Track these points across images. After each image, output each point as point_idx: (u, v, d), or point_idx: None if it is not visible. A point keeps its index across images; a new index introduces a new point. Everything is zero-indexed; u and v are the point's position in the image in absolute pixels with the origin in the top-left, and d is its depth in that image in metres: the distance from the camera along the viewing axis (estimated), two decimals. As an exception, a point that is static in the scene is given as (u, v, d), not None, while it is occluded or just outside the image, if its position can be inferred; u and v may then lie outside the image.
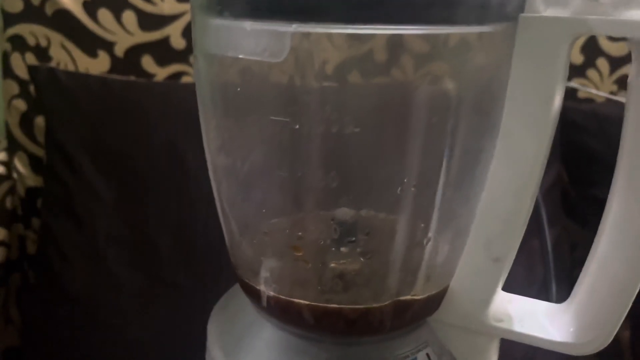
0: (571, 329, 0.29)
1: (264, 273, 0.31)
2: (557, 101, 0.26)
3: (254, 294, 0.33)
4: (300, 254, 0.30)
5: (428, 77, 0.24)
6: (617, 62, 0.80)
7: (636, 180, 0.26)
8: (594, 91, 0.73)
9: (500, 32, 0.25)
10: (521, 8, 0.26)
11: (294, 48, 0.24)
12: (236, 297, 0.37)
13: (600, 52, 0.80)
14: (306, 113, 0.24)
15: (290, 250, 0.30)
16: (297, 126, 0.25)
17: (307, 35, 0.23)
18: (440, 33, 0.23)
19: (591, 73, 0.77)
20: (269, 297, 0.31)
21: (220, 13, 0.25)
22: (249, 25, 0.24)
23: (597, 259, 0.28)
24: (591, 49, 0.78)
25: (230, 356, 0.33)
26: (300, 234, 0.29)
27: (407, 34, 0.23)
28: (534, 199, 0.28)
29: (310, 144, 0.25)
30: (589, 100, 0.76)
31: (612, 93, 0.76)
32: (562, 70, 0.26)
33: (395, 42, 0.23)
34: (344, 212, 0.28)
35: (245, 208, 0.29)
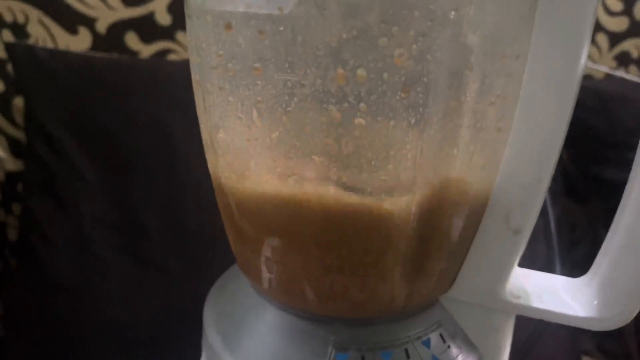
0: (595, 302, 0.27)
1: (265, 252, 0.29)
2: (583, 60, 0.25)
3: (254, 275, 0.31)
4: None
5: (450, 27, 0.22)
6: (616, 38, 0.78)
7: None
8: (593, 66, 0.72)
9: (525, -17, 0.23)
10: (547, -44, 0.24)
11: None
12: (234, 278, 0.35)
13: (599, 28, 0.78)
14: (317, 66, 0.22)
15: (293, 225, 0.27)
16: (307, 86, 0.22)
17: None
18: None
19: (590, 48, 0.75)
20: (270, 277, 0.29)
21: (218, -39, 0.23)
22: (250, -27, 0.22)
23: (622, 230, 0.27)
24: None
25: (229, 341, 0.31)
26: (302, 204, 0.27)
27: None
28: (555, 166, 0.27)
29: (321, 96, 0.23)
30: (588, 77, 0.74)
31: (611, 69, 0.75)
32: (588, 29, 0.24)
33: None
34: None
35: (245, 180, 0.27)
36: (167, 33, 0.72)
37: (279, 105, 0.24)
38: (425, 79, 0.22)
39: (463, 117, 0.24)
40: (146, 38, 0.71)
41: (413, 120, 0.23)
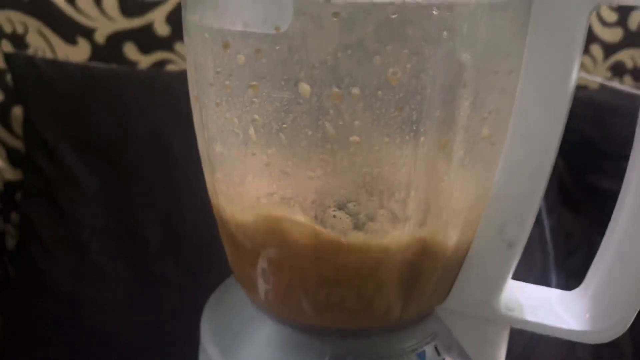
0: (587, 316, 0.28)
1: (261, 264, 0.29)
2: (574, 76, 0.25)
3: (250, 286, 0.31)
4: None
5: (443, 46, 0.22)
6: (611, 48, 0.79)
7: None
8: (587, 76, 0.72)
9: (515, 2, 0.24)
10: (538, -25, 0.24)
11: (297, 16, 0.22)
12: (231, 290, 0.35)
13: (594, 38, 0.79)
14: (313, 84, 0.22)
15: (288, 238, 0.28)
16: (303, 104, 0.23)
17: (311, 2, 0.22)
18: (454, 1, 0.22)
19: (585, 59, 0.76)
20: (267, 289, 0.30)
21: (215, -19, 0.23)
22: (247, -8, 0.22)
23: (615, 243, 0.27)
24: (589, 22, 0.76)
25: (227, 353, 0.31)
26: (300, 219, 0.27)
27: (420, 3, 0.21)
28: (548, 179, 0.27)
29: (316, 113, 0.23)
30: (583, 87, 0.75)
31: (606, 79, 0.76)
32: (580, 43, 0.24)
33: (407, 9, 0.22)
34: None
35: (242, 195, 0.27)
36: (166, 44, 0.72)
37: (276, 122, 0.24)
38: (419, 96, 0.23)
39: (457, 132, 0.24)
40: (145, 48, 0.72)
41: (407, 136, 0.23)
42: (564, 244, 0.67)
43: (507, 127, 0.26)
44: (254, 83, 0.24)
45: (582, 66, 0.76)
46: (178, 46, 0.73)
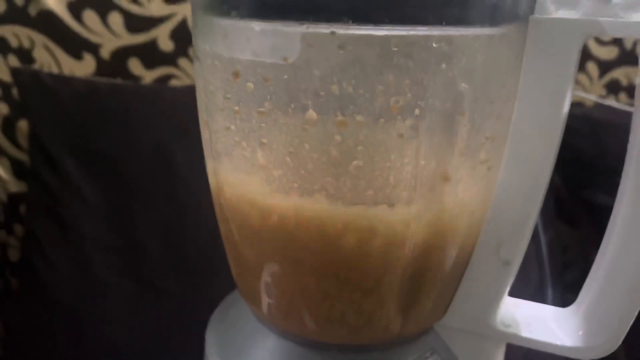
0: (580, 333, 0.29)
1: (264, 277, 0.30)
2: (567, 102, 0.26)
3: (254, 300, 0.32)
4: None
5: (442, 77, 0.23)
6: (606, 66, 0.81)
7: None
8: (583, 94, 0.74)
9: (511, 34, 0.25)
10: (531, 9, 0.25)
11: (304, 48, 0.23)
12: (235, 304, 0.36)
13: (590, 57, 0.80)
14: (318, 111, 0.24)
15: (292, 251, 0.29)
16: (309, 129, 0.24)
17: (318, 35, 0.23)
18: (453, 34, 0.23)
19: (581, 77, 0.78)
20: (270, 304, 0.31)
21: (226, 13, 0.24)
22: (257, 25, 0.24)
23: (607, 261, 0.28)
24: (581, 53, 0.78)
25: (231, 366, 0.32)
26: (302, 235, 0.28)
27: (420, 36, 0.23)
28: (543, 200, 0.28)
29: (322, 138, 0.24)
30: (580, 104, 0.76)
31: (601, 97, 0.77)
32: (573, 72, 0.26)
33: (408, 42, 0.23)
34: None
35: (249, 215, 0.28)
36: (170, 59, 0.73)
37: (282, 146, 0.25)
38: (419, 124, 0.24)
39: (455, 156, 0.25)
40: (149, 64, 0.73)
41: (407, 160, 0.25)
42: (560, 258, 0.68)
43: (504, 151, 0.27)
44: (262, 109, 0.25)
45: (579, 83, 0.78)
46: (181, 62, 0.74)
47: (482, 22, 0.24)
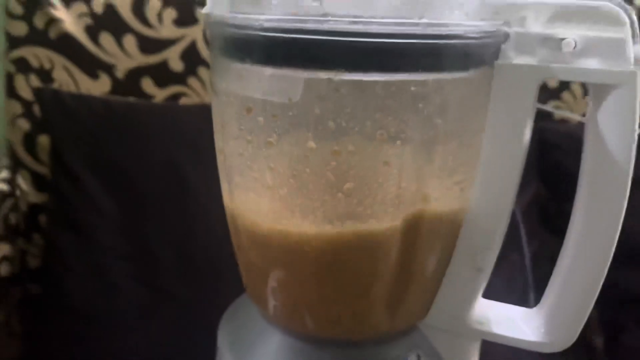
0: (542, 330, 0.33)
1: (271, 283, 0.35)
2: (527, 134, 0.31)
3: (262, 302, 0.37)
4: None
5: (420, 113, 0.28)
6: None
7: (594, 202, 0.31)
8: (567, 113, 0.79)
9: (479, 77, 0.30)
10: (496, 56, 0.30)
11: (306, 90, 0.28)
12: (244, 306, 0.41)
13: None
14: (317, 142, 0.28)
15: (296, 260, 0.33)
16: (310, 157, 0.29)
17: (317, 80, 0.28)
18: (428, 79, 0.28)
19: (566, 95, 0.82)
20: (275, 305, 0.35)
21: (242, 59, 0.29)
22: (267, 70, 0.29)
23: (563, 268, 0.33)
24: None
25: (242, 362, 0.36)
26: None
27: (401, 81, 0.28)
28: (509, 217, 0.33)
29: (320, 164, 0.29)
30: (564, 121, 0.81)
31: (584, 114, 0.81)
32: (531, 109, 0.30)
33: (391, 86, 0.28)
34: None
35: (258, 227, 0.33)
36: (180, 78, 0.78)
37: (287, 170, 0.30)
38: (400, 152, 0.29)
39: (432, 179, 0.30)
40: (160, 83, 0.78)
41: (392, 182, 0.29)
42: (548, 266, 0.72)
43: (475, 175, 0.32)
44: (270, 139, 0.30)
45: (564, 102, 0.83)
46: (191, 81, 0.79)
47: (453, 68, 0.29)
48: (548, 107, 0.78)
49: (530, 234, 0.68)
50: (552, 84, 0.82)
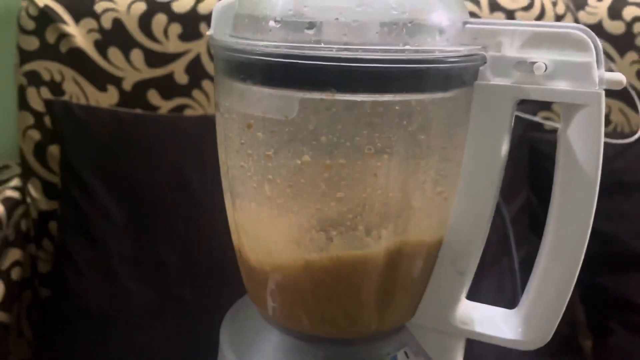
0: (519, 329, 0.36)
1: (270, 286, 0.38)
2: (505, 148, 0.34)
3: (261, 303, 0.39)
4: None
5: (404, 130, 0.31)
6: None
7: (566, 209, 0.34)
8: (557, 125, 0.81)
9: (459, 96, 0.33)
10: (475, 77, 0.33)
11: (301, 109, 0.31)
12: (245, 306, 0.43)
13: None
14: (311, 155, 0.31)
15: (293, 266, 0.36)
16: (304, 169, 0.32)
17: (311, 99, 0.31)
18: (412, 99, 0.31)
19: (556, 106, 0.85)
20: (274, 307, 0.38)
21: (243, 80, 0.32)
22: (266, 91, 0.32)
23: (539, 271, 0.36)
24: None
25: (242, 358, 0.39)
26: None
27: (387, 101, 0.30)
28: (489, 225, 0.36)
29: (314, 175, 0.32)
30: (554, 131, 0.83)
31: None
32: (508, 125, 0.33)
33: (378, 106, 0.31)
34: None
35: (259, 232, 0.36)
36: (185, 91, 0.81)
37: (284, 181, 0.33)
38: (387, 165, 0.32)
39: (416, 190, 0.33)
40: (166, 95, 0.80)
41: (379, 193, 0.32)
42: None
43: (457, 186, 0.35)
44: (269, 153, 0.32)
45: (554, 112, 0.86)
46: (195, 93, 0.81)
47: (435, 89, 0.32)
48: (538, 118, 0.81)
49: (520, 240, 0.70)
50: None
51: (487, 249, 0.37)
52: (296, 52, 0.30)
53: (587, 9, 0.86)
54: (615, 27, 0.85)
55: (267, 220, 0.35)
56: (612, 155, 0.77)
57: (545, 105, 0.84)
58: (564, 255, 0.34)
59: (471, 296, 0.38)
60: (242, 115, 0.33)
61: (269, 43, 0.31)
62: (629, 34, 0.86)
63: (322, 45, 0.30)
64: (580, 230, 0.33)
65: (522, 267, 0.67)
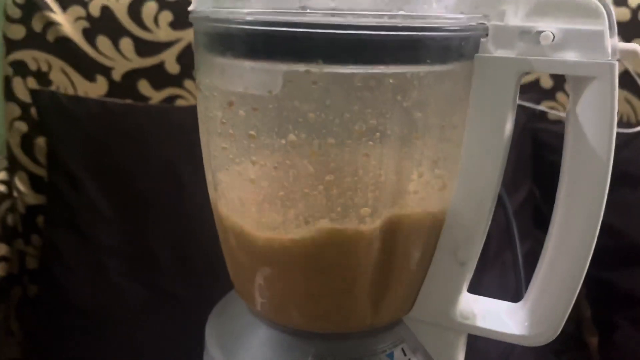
0: (525, 324, 0.33)
1: (258, 279, 0.35)
2: (509, 127, 0.31)
3: (249, 298, 0.37)
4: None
5: (399, 106, 0.28)
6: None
7: (575, 195, 0.31)
8: (561, 114, 0.79)
9: (458, 70, 0.30)
10: (476, 49, 0.30)
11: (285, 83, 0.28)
12: (231, 302, 0.41)
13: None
14: (298, 134, 0.29)
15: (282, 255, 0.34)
16: (290, 149, 0.29)
17: (296, 72, 0.28)
18: (406, 72, 0.28)
19: (560, 96, 0.82)
20: (262, 301, 0.36)
21: (223, 53, 0.30)
22: (248, 64, 0.29)
23: (545, 264, 0.33)
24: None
25: (229, 355, 0.36)
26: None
27: (379, 73, 0.28)
28: (492, 212, 0.33)
29: (301, 156, 0.29)
30: (559, 122, 0.81)
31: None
32: (512, 102, 0.31)
33: (369, 78, 0.28)
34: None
35: (243, 223, 0.33)
36: (176, 81, 0.78)
37: (269, 162, 0.30)
38: (380, 146, 0.29)
39: (412, 173, 0.31)
40: (157, 85, 0.78)
41: (372, 175, 0.30)
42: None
43: (457, 170, 0.32)
44: (252, 132, 0.30)
45: (558, 102, 0.83)
46: (187, 83, 0.79)
47: (432, 61, 0.29)
48: (542, 107, 0.78)
49: (523, 233, 0.68)
50: (547, 84, 0.82)
51: (488, 242, 0.34)
52: (279, 18, 0.27)
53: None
54: (621, 14, 0.83)
55: (252, 205, 0.32)
56: (617, 145, 0.74)
57: (550, 95, 0.82)
58: (572, 246, 0.31)
59: (473, 290, 0.36)
60: (223, 92, 0.31)
61: (251, 10, 0.28)
62: (634, 21, 0.83)
63: (308, 11, 0.27)
64: (590, 219, 0.30)
65: (524, 261, 0.64)
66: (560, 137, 0.79)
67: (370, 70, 0.28)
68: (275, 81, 0.28)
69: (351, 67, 0.28)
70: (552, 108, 0.80)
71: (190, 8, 0.34)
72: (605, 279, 0.72)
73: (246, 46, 0.29)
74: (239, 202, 0.33)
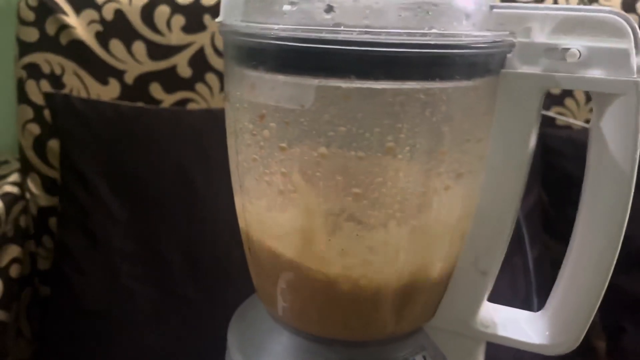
0: (546, 333, 0.34)
1: (280, 285, 0.36)
2: (532, 141, 0.32)
3: (271, 303, 0.37)
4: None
5: (427, 121, 0.29)
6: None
7: (598, 207, 0.32)
8: (570, 120, 0.79)
9: (484, 85, 0.31)
10: (502, 65, 0.31)
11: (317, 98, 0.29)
12: (253, 306, 0.42)
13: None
14: (328, 147, 0.29)
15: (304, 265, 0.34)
16: (321, 162, 0.30)
17: (328, 87, 0.29)
18: (435, 87, 0.29)
19: (569, 102, 0.83)
20: (284, 307, 0.36)
21: (255, 67, 0.30)
22: (280, 78, 0.30)
23: (567, 273, 0.34)
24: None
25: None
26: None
27: (410, 89, 0.28)
28: (514, 222, 0.34)
29: (331, 169, 0.30)
30: (567, 127, 0.82)
31: (587, 120, 0.82)
32: (535, 117, 0.31)
33: (400, 94, 0.29)
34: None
35: (271, 228, 0.34)
36: (188, 84, 0.79)
37: (298, 174, 0.31)
38: (408, 158, 0.30)
39: (439, 185, 0.31)
40: (169, 88, 0.78)
41: (399, 188, 0.30)
42: (550, 270, 0.73)
43: (480, 181, 0.33)
44: (283, 145, 0.30)
45: (567, 108, 0.84)
46: (198, 86, 0.80)
47: (460, 77, 0.30)
48: (551, 113, 0.79)
49: (533, 239, 0.68)
50: (555, 90, 0.83)
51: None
52: (313, 35, 0.28)
53: (601, 0, 0.84)
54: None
55: (279, 216, 0.33)
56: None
57: (558, 101, 0.82)
58: (595, 255, 0.32)
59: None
60: (254, 105, 0.31)
61: (283, 27, 0.29)
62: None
63: (341, 29, 0.28)
64: (613, 230, 0.31)
65: (533, 265, 0.65)
66: (568, 142, 0.80)
67: (401, 86, 0.28)
68: (308, 95, 0.29)
69: (382, 82, 0.28)
70: (560, 114, 0.81)
71: (217, 20, 0.34)
72: (614, 283, 0.73)
73: (278, 61, 0.30)
74: (267, 212, 0.33)
